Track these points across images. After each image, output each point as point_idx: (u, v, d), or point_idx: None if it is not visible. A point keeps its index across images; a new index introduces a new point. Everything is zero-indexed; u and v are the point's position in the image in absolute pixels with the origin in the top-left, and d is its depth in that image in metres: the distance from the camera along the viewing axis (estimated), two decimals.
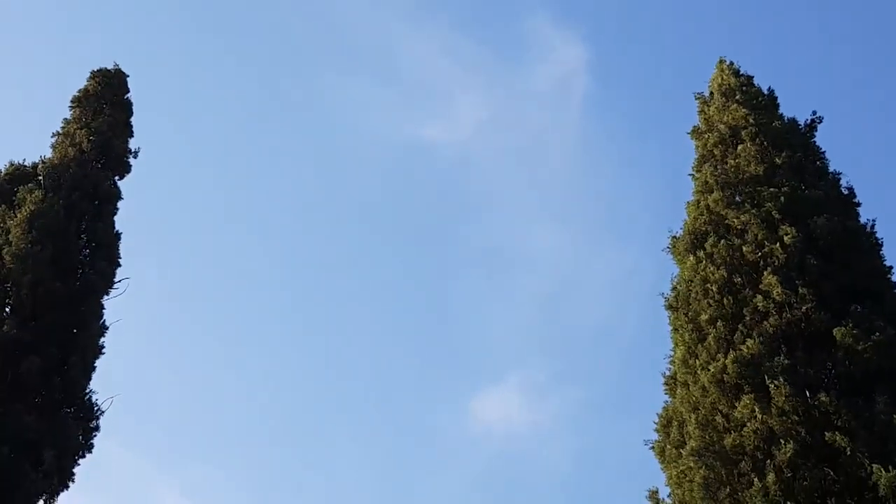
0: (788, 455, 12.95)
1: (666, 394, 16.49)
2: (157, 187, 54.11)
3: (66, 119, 18.38)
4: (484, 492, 47.19)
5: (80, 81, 19.46)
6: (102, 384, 14.49)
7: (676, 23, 53.56)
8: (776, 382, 13.68)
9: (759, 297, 15.06)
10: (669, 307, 16.74)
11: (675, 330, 16.37)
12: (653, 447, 16.23)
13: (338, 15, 53.94)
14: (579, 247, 53.51)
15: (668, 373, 16.55)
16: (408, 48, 53.53)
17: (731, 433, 13.79)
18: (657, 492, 15.89)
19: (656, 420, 16.19)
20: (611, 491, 45.80)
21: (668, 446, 15.38)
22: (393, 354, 53.55)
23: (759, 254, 15.89)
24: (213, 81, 53.52)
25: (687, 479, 14.02)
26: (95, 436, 13.68)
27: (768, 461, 13.12)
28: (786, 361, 14.02)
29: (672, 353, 16.51)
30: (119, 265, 15.89)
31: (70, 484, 13.16)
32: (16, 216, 14.82)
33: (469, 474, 48.10)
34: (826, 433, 12.93)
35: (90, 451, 13.53)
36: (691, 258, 16.73)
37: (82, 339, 14.12)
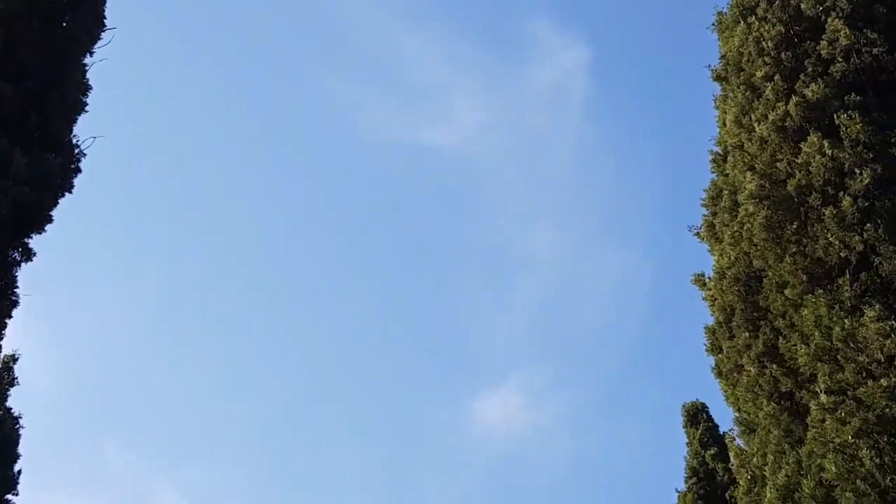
0: (865, 182, 11.31)
1: (713, 172, 14.89)
2: (157, 188, 53.23)
3: None
4: (484, 492, 46.71)
5: None
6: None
7: (676, 24, 52.28)
8: (847, 114, 12.01)
9: (824, 43, 13.34)
10: (717, 78, 15.07)
11: (725, 98, 14.70)
12: (698, 232, 14.70)
13: (337, 17, 52.72)
14: (579, 249, 52.87)
15: (715, 149, 14.98)
16: (408, 50, 52.37)
17: (794, 176, 12.14)
18: (703, 275, 14.35)
19: (702, 197, 14.61)
20: (610, 492, 45.37)
21: (718, 218, 13.78)
22: (393, 356, 53.17)
23: (821, 8, 14.14)
24: (212, 82, 52.68)
25: (745, 228, 12.39)
26: (76, 177, 12.13)
27: (840, 193, 11.49)
28: (857, 98, 12.35)
29: (719, 128, 14.89)
30: (104, 27, 14.27)
31: (47, 227, 11.65)
32: None
33: (469, 475, 47.52)
34: None
35: (70, 192, 11.99)
36: (741, 25, 15.00)
37: (62, 81, 12.53)
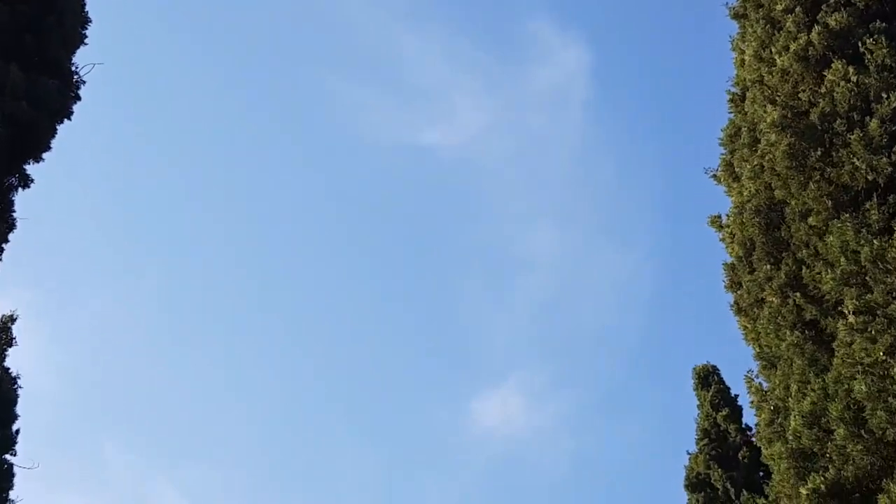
0: (893, 106, 10.90)
1: (730, 112, 14.46)
2: (158, 188, 52.90)
3: None
4: (484, 493, 46.62)
5: None
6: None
7: (677, 26, 51.98)
8: (872, 39, 11.60)
9: None
10: (735, 16, 14.62)
11: (743, 37, 14.28)
12: (714, 174, 14.29)
13: (337, 17, 52.38)
14: (579, 249, 52.78)
15: (732, 90, 14.55)
16: (408, 50, 52.10)
17: (818, 105, 11.72)
18: (719, 217, 13.95)
19: (720, 137, 14.20)
20: (610, 492, 45.23)
21: (737, 155, 13.37)
22: (393, 356, 53.04)
23: None
24: (212, 82, 52.46)
25: (766, 160, 11.98)
26: (75, 103, 11.74)
27: (867, 118, 11.08)
28: (882, 25, 11.93)
29: (737, 68, 14.47)
30: None
31: (44, 156, 11.28)
32: None
33: (469, 475, 47.42)
34: None
35: (69, 118, 11.59)
36: None
37: (59, 6, 12.13)
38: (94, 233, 51.12)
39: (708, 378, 21.40)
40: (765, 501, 12.30)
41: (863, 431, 8.92)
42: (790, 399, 10.27)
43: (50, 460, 42.26)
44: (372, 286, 54.75)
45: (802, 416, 9.63)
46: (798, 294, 10.70)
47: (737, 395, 21.09)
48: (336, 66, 54.13)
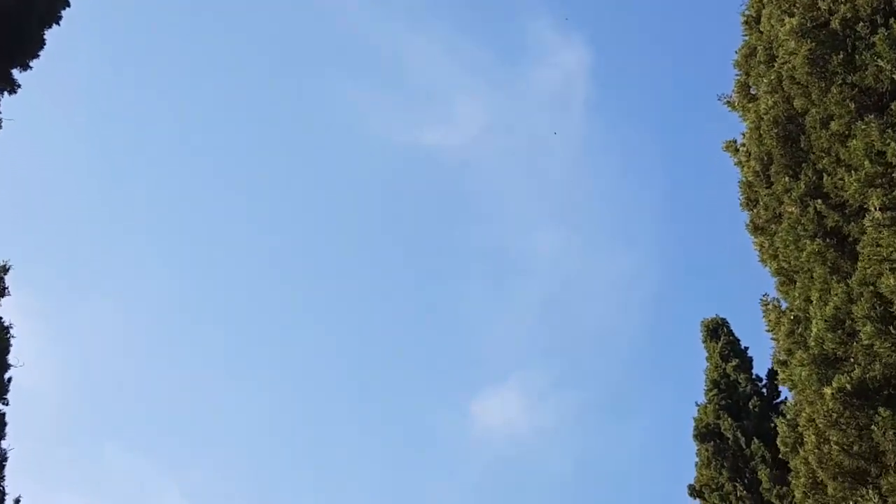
0: None
1: (745, 35, 13.95)
2: (160, 190, 52.49)
3: None
4: (485, 493, 46.16)
5: None
6: None
7: (678, 26, 51.47)
8: None
9: None
10: None
11: None
12: (728, 100, 13.80)
13: (339, 17, 51.83)
14: (581, 249, 52.43)
15: (746, 13, 14.04)
16: (409, 51, 51.66)
17: (839, 11, 11.22)
18: (734, 142, 13.48)
19: (734, 59, 13.70)
20: (613, 493, 44.82)
21: (753, 73, 12.87)
22: (394, 356, 52.50)
23: None
24: (215, 83, 51.92)
25: (784, 69, 11.48)
26: (64, 9, 11.26)
27: (891, 20, 10.58)
28: None
29: None
30: None
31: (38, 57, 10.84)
32: None
33: (470, 477, 47.09)
34: None
35: (58, 23, 11.12)
36: None
37: None
38: (96, 234, 50.91)
39: (717, 330, 20.94)
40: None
41: (891, 328, 8.46)
42: (811, 307, 9.81)
43: (50, 461, 42.02)
44: (373, 286, 54.47)
45: (825, 321, 9.17)
46: (819, 201, 10.23)
47: (747, 348, 20.66)
48: (338, 66, 53.81)
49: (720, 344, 20.49)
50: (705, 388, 20.10)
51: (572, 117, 52.49)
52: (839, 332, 9.02)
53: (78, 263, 51.92)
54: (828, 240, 10.10)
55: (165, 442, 49.33)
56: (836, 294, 9.30)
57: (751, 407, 19.00)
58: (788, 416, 10.51)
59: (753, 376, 19.86)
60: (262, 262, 55.00)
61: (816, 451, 8.94)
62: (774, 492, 16.76)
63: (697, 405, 19.93)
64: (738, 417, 18.90)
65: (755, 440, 17.97)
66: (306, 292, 54.64)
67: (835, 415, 8.67)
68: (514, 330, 51.81)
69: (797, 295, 10.34)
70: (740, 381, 19.65)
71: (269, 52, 53.63)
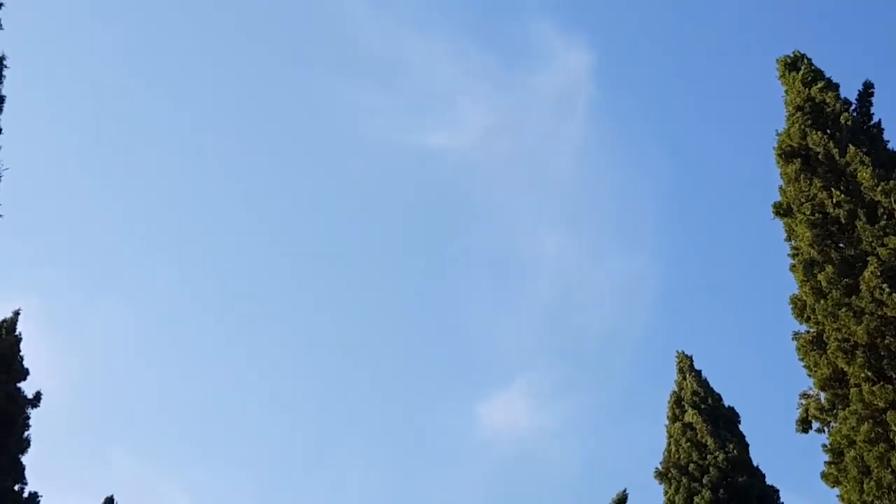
0: None
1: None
2: (167, 194, 50.31)
3: None
4: (491, 494, 45.08)
5: None
6: None
7: (679, 27, 49.20)
8: None
9: None
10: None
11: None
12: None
13: (344, 22, 49.47)
14: (585, 252, 51.10)
15: None
16: (414, 54, 49.56)
17: None
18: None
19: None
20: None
21: None
22: (400, 359, 51.17)
23: None
24: (220, 85, 49.69)
25: None
26: None
27: None
28: None
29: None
30: None
31: None
32: None
33: (476, 478, 45.99)
34: None
35: None
36: None
37: None
38: (103, 241, 49.61)
39: (796, 63, 18.87)
40: None
41: None
42: None
43: (58, 463, 40.96)
44: (379, 288, 53.44)
45: None
46: None
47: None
48: (343, 69, 52.24)
49: (801, 73, 18.43)
50: (787, 113, 18.12)
51: (575, 119, 50.85)
52: None
53: (87, 270, 50.85)
54: None
55: (172, 445, 48.86)
56: None
57: (842, 122, 17.01)
58: None
59: (842, 97, 17.80)
60: (268, 265, 53.93)
61: None
62: (879, 188, 14.88)
63: (777, 133, 17.95)
64: (829, 133, 16.92)
65: (850, 147, 16.02)
66: (313, 294, 53.51)
67: None
68: (520, 332, 50.75)
69: None
70: (827, 101, 17.62)
71: (276, 55, 51.89)
